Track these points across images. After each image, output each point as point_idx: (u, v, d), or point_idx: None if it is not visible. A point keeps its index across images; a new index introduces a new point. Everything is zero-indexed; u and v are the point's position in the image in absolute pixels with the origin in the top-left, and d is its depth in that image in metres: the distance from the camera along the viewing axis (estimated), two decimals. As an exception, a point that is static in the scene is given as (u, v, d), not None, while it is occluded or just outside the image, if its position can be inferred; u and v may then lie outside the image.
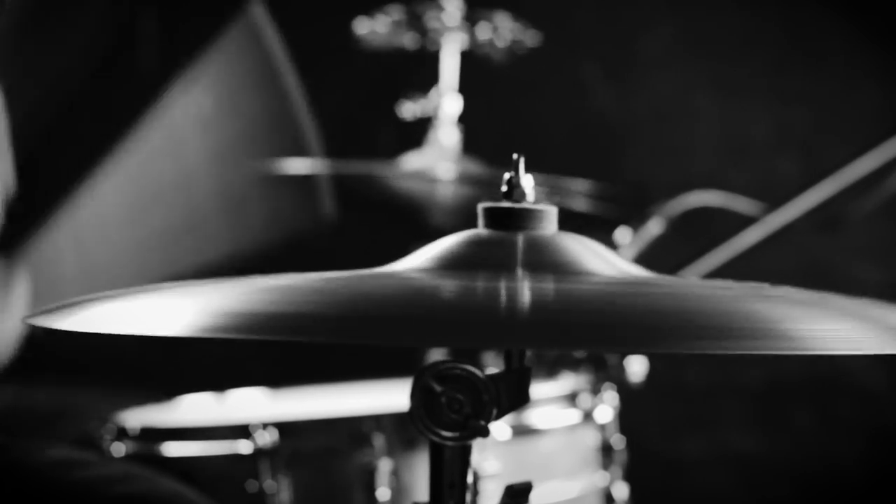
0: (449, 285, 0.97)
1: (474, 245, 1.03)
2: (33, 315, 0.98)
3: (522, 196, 1.05)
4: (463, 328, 0.88)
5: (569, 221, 1.07)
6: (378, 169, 2.33)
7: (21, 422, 2.09)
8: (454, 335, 0.88)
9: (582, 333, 0.87)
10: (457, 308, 0.93)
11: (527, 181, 1.05)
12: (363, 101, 3.07)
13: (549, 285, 0.96)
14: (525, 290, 0.95)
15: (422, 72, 2.44)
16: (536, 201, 1.05)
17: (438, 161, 2.30)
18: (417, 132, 2.39)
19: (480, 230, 1.05)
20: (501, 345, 1.00)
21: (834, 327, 0.90)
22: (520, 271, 0.99)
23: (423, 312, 0.91)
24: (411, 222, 2.37)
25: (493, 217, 1.05)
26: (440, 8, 2.37)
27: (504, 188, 1.05)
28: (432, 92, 2.38)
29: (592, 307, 0.92)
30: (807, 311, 0.92)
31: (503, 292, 0.94)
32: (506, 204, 1.04)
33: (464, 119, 2.39)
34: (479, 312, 0.91)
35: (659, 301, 0.95)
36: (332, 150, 2.82)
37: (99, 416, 1.81)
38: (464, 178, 2.28)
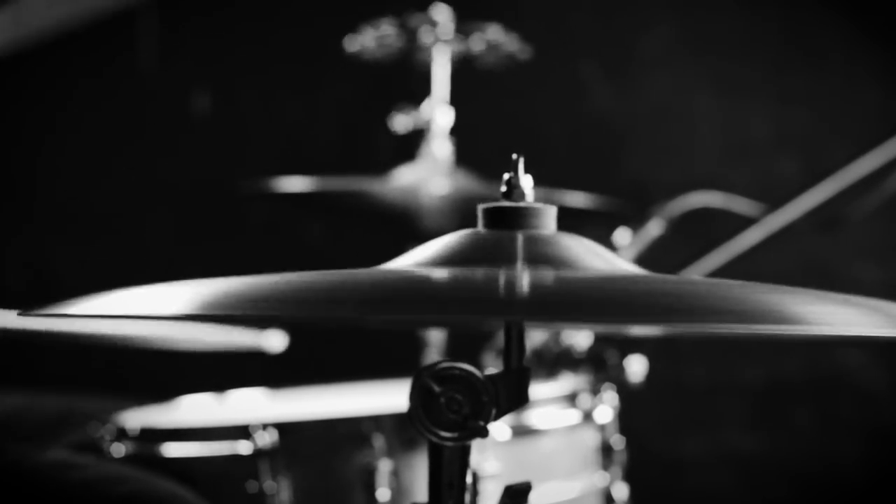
0: (450, 273, 0.97)
1: (473, 243, 1.03)
2: (36, 311, 0.98)
3: (521, 196, 1.05)
4: (465, 303, 0.88)
5: (568, 221, 1.07)
6: (371, 183, 2.32)
7: (27, 427, 2.09)
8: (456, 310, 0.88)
9: (579, 308, 0.87)
10: (458, 286, 0.93)
11: (526, 181, 1.05)
12: (355, 113, 3.07)
13: (547, 272, 0.96)
14: (524, 273, 0.95)
15: (413, 84, 2.44)
16: (536, 201, 1.05)
17: (431, 174, 2.29)
18: (410, 145, 2.39)
19: (479, 229, 1.05)
20: (502, 317, 1.00)
21: (833, 310, 0.90)
22: (519, 263, 0.99)
23: (427, 289, 0.91)
24: (405, 228, 2.36)
25: (492, 216, 1.05)
26: (432, 20, 2.37)
27: (503, 188, 1.05)
28: (424, 104, 2.38)
29: (590, 286, 0.92)
30: (805, 297, 0.92)
31: (502, 275, 0.94)
32: (505, 204, 1.04)
33: (457, 131, 2.39)
34: (479, 288, 0.91)
35: (655, 284, 0.95)
36: (325, 163, 2.81)
37: (102, 419, 1.81)
38: (458, 191, 2.27)
